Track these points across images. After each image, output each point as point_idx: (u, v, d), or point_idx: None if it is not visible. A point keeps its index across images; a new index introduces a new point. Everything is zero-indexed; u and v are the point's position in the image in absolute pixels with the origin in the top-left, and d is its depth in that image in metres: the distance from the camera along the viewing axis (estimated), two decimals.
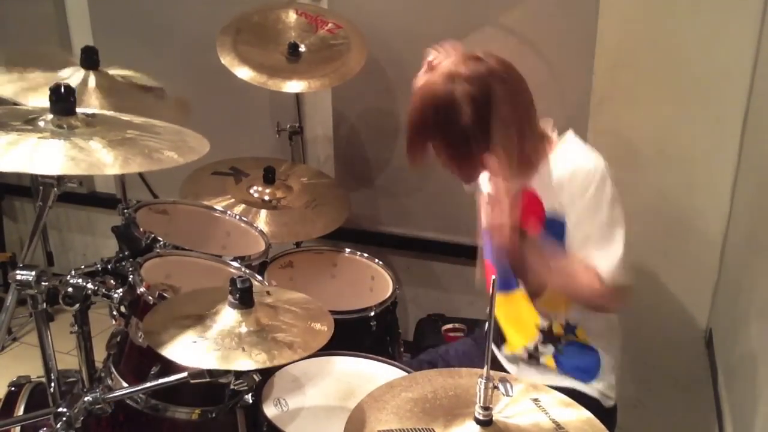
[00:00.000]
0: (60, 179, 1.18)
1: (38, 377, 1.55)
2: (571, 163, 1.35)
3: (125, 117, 1.36)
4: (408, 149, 1.42)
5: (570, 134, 1.41)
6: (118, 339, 1.42)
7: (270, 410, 1.33)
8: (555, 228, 1.37)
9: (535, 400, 0.99)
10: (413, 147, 1.40)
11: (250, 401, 1.35)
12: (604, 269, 1.31)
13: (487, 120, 1.28)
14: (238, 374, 1.22)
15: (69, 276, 1.24)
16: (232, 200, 2.02)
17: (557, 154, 1.39)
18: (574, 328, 1.47)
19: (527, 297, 1.49)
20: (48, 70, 1.69)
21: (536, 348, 1.49)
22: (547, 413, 0.96)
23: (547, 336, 1.48)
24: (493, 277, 0.92)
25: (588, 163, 1.34)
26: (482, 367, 0.91)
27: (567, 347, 1.47)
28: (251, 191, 2.09)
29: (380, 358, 1.54)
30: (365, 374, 1.48)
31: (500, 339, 1.54)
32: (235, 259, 1.65)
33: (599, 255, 1.32)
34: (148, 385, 1.25)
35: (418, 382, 1.04)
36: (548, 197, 1.38)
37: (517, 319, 1.52)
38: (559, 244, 1.37)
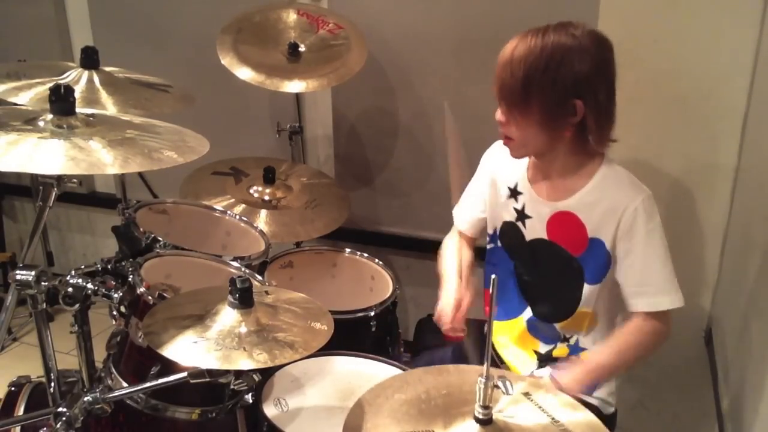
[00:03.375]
0: (60, 179, 1.18)
1: (38, 377, 1.56)
2: (618, 192, 1.35)
3: (125, 117, 1.36)
4: (509, 105, 1.32)
5: (612, 161, 1.40)
6: (118, 339, 1.42)
7: (270, 410, 1.33)
8: (597, 251, 1.37)
9: (531, 397, 0.99)
10: (514, 102, 1.31)
11: (250, 401, 1.35)
12: (665, 304, 1.34)
13: (599, 75, 1.29)
14: (238, 374, 1.22)
15: (69, 276, 1.24)
16: (232, 200, 2.02)
17: (605, 179, 1.37)
18: (582, 350, 1.47)
19: (527, 325, 1.50)
20: (50, 76, 1.69)
21: (532, 374, 1.49)
22: (546, 412, 0.96)
23: (545, 359, 1.49)
24: (493, 276, 0.91)
25: (637, 195, 1.33)
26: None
27: (565, 366, 1.47)
28: (251, 191, 2.09)
29: (380, 358, 1.54)
30: (365, 374, 1.48)
31: (499, 361, 1.55)
32: (235, 259, 1.65)
33: (658, 290, 1.34)
34: (148, 385, 1.25)
35: (408, 383, 1.03)
36: (591, 221, 1.37)
37: (516, 346, 1.52)
38: (602, 268, 1.38)
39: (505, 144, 1.39)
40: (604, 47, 1.31)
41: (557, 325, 1.46)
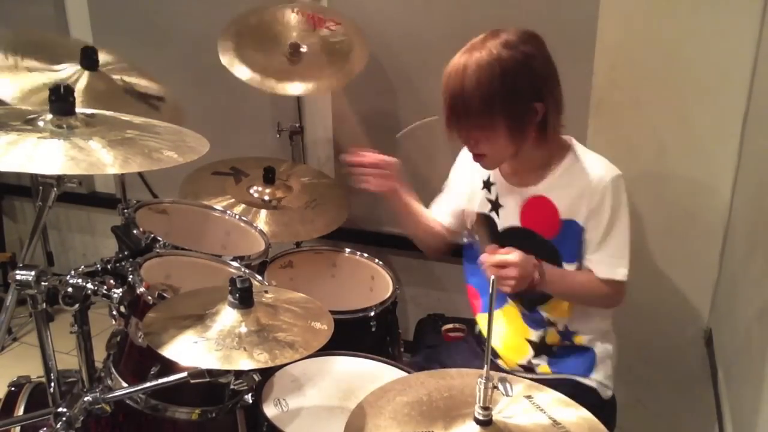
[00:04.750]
0: (60, 179, 1.18)
1: (38, 377, 1.55)
2: (589, 173, 1.39)
3: (125, 117, 1.36)
4: (471, 127, 1.35)
5: (581, 146, 1.44)
6: (118, 339, 1.42)
7: (270, 410, 1.33)
8: (572, 232, 1.41)
9: (533, 399, 0.99)
10: (478, 124, 1.34)
11: (250, 401, 1.35)
12: (620, 274, 1.39)
13: (550, 73, 1.34)
14: (238, 374, 1.22)
15: (69, 276, 1.24)
16: (232, 200, 2.02)
17: (575, 162, 1.41)
18: (573, 334, 1.48)
19: (517, 312, 1.51)
20: (46, 62, 1.68)
21: (529, 362, 1.50)
22: (545, 412, 0.96)
23: (540, 347, 1.50)
24: (492, 277, 0.92)
25: (606, 174, 1.38)
26: (481, 368, 0.91)
27: (561, 351, 1.49)
28: (251, 191, 2.09)
29: (380, 358, 1.54)
30: (365, 374, 1.48)
31: (494, 354, 1.55)
32: (235, 259, 1.65)
33: (614, 261, 1.39)
34: (148, 385, 1.25)
35: (411, 385, 1.04)
36: (563, 203, 1.40)
37: (507, 335, 1.53)
38: (577, 246, 1.41)
39: (476, 161, 1.42)
40: (541, 44, 1.34)
41: (541, 309, 1.48)
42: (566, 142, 1.44)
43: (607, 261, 1.40)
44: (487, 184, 1.52)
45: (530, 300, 1.48)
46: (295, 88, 1.97)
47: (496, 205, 1.50)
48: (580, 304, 1.46)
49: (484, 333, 0.96)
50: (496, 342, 1.55)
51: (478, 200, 1.54)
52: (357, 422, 0.95)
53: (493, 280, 0.92)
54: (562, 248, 1.42)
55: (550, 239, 1.42)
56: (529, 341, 1.50)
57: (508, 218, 1.48)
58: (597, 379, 1.48)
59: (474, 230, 1.54)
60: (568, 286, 1.43)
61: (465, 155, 1.59)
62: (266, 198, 2.07)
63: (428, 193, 2.29)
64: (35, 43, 1.74)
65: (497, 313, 1.54)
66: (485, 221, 1.53)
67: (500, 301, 1.53)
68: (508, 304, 1.53)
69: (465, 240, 1.59)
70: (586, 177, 1.38)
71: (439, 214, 1.66)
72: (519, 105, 1.31)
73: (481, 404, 0.90)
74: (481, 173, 1.53)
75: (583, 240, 1.41)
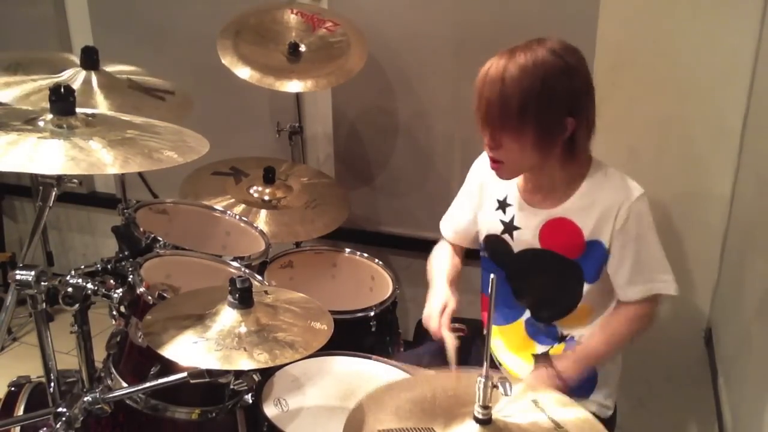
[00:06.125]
0: (60, 179, 1.18)
1: (38, 377, 1.55)
2: (612, 194, 1.36)
3: (125, 117, 1.36)
4: (500, 129, 1.29)
5: (603, 164, 1.41)
6: (118, 339, 1.42)
7: (270, 410, 1.33)
8: (596, 251, 1.38)
9: (534, 400, 0.99)
10: (507, 127, 1.29)
11: (250, 401, 1.35)
12: (656, 289, 1.37)
13: (588, 90, 1.32)
14: (238, 374, 1.23)
15: (69, 276, 1.24)
16: (232, 200, 2.02)
17: (597, 182, 1.38)
18: (577, 344, 1.46)
19: (525, 327, 1.50)
20: (48, 73, 1.69)
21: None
22: (545, 412, 0.96)
23: (542, 360, 1.48)
24: (492, 276, 0.91)
25: (630, 194, 1.35)
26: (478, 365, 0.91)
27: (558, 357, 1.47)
28: (251, 191, 2.09)
29: (380, 358, 1.54)
30: (365, 374, 1.48)
31: (497, 368, 1.55)
32: (235, 259, 1.65)
33: (652, 276, 1.37)
34: (148, 385, 1.25)
35: (417, 383, 1.04)
36: (587, 224, 1.37)
37: (514, 351, 1.52)
38: (600, 266, 1.39)
39: (493, 168, 1.38)
40: (583, 59, 1.31)
41: (558, 324, 1.46)
42: (588, 160, 1.40)
43: (643, 280, 1.36)
44: (503, 205, 1.47)
45: (549, 317, 1.47)
46: (293, 86, 1.97)
47: (510, 227, 1.45)
48: (625, 345, 1.44)
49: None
50: (500, 355, 1.54)
51: (490, 222, 1.50)
52: (359, 415, 0.96)
53: (492, 278, 0.92)
54: (585, 267, 1.39)
55: (573, 259, 1.40)
56: (534, 355, 1.49)
57: (524, 240, 1.44)
58: (597, 400, 1.46)
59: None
60: (611, 348, 1.41)
61: (476, 173, 1.56)
62: (266, 198, 2.07)
63: (426, 192, 2.31)
64: (37, 60, 1.77)
65: (509, 328, 1.53)
66: (496, 243, 1.50)
67: (513, 316, 1.51)
68: (520, 320, 1.51)
69: (482, 253, 1.57)
70: (608, 198, 1.35)
71: (445, 230, 1.65)
72: (552, 115, 1.27)
73: (481, 403, 0.90)
74: (496, 194, 1.48)
75: (607, 263, 1.37)
